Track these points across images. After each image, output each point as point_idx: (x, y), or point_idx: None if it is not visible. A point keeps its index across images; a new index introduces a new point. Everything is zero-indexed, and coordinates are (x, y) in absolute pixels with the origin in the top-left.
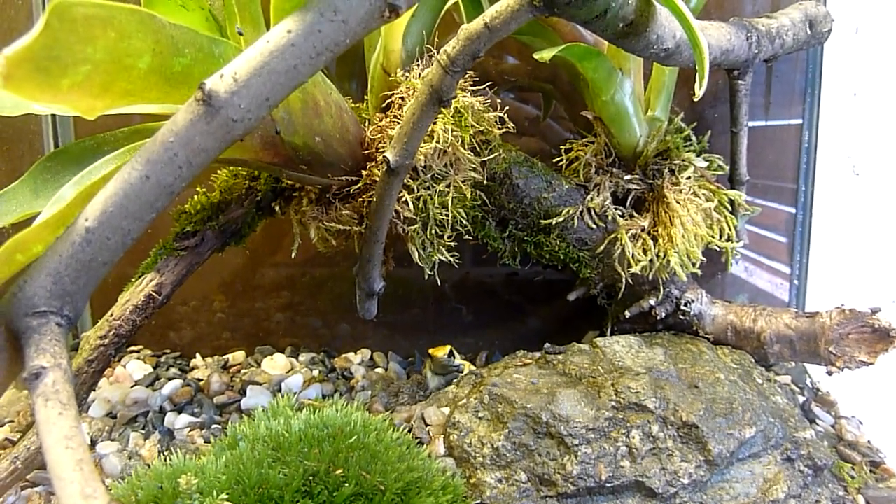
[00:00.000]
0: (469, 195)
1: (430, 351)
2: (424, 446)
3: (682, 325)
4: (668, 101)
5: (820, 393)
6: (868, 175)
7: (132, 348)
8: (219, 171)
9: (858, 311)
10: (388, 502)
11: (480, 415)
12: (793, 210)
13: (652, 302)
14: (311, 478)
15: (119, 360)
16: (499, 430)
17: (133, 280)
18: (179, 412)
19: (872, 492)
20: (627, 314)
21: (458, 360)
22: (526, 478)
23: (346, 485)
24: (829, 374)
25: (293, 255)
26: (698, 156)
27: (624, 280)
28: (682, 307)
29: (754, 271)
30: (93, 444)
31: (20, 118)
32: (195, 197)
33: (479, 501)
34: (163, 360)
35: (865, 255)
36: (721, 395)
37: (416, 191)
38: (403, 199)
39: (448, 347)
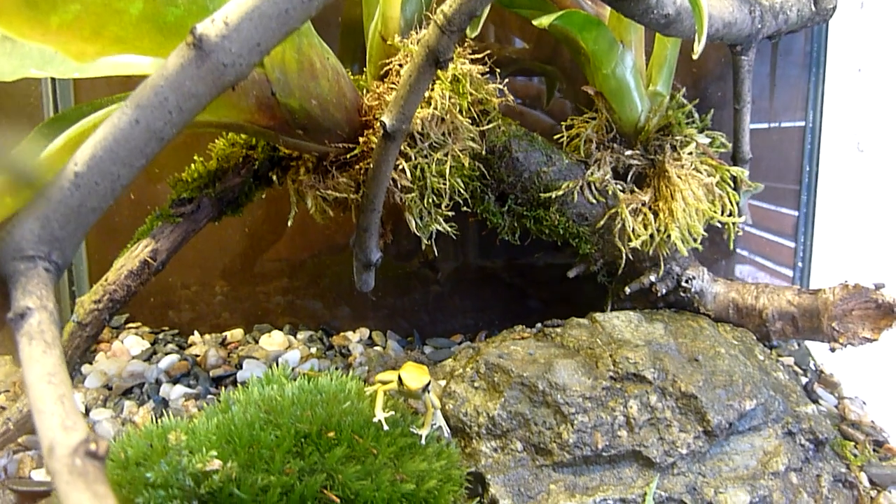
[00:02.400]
0: (467, 164)
1: (405, 379)
2: (419, 416)
3: (683, 303)
4: (670, 76)
5: (823, 375)
6: (873, 152)
7: (131, 325)
8: (216, 140)
9: (862, 286)
10: (380, 466)
11: (476, 385)
12: (796, 187)
13: (652, 278)
14: (302, 439)
15: (117, 336)
16: (495, 399)
17: (129, 246)
18: (175, 384)
19: (875, 469)
20: (628, 290)
21: (432, 397)
22: (522, 447)
23: (338, 447)
24: (832, 350)
25: (289, 223)
26: (700, 133)
27: (624, 256)
28: (683, 284)
29: (758, 252)
30: (86, 412)
31: (20, 90)
32: (192, 165)
33: (473, 469)
34: (161, 336)
35: (871, 232)
36: (721, 368)
37: (413, 159)
38: (400, 167)
39: (427, 380)
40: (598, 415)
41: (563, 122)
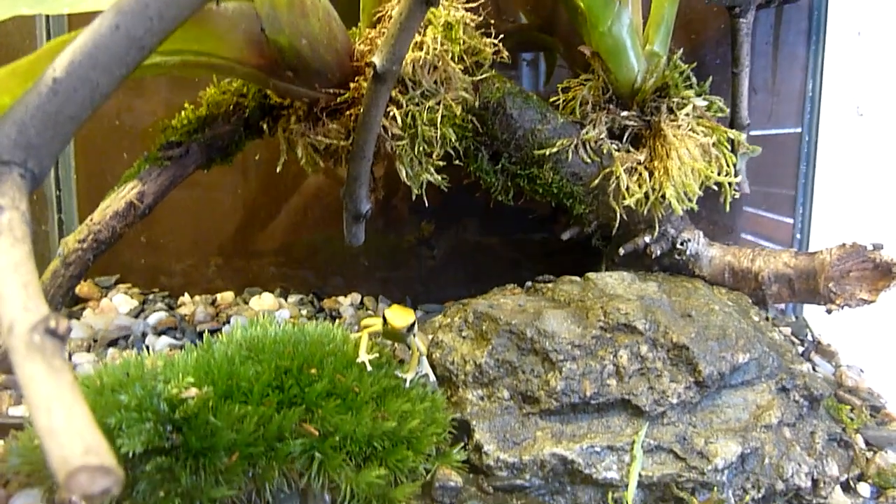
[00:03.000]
0: (459, 114)
1: (389, 318)
2: (405, 363)
3: (679, 266)
4: (667, 36)
5: (821, 345)
6: (872, 116)
7: (121, 286)
8: (207, 88)
9: (860, 245)
10: (362, 403)
11: (464, 334)
12: (798, 136)
13: (647, 239)
14: (283, 374)
15: (106, 294)
16: (482, 347)
17: (115, 188)
18: (160, 335)
19: (872, 432)
20: (622, 251)
21: (418, 342)
22: (509, 395)
23: (319, 383)
24: (829, 312)
25: (278, 170)
26: (698, 97)
27: (618, 216)
28: (678, 246)
29: (756, 222)
30: (69, 357)
31: (15, 34)
32: (182, 113)
33: (457, 415)
34: (151, 297)
35: (870, 197)
36: (714, 323)
37: (404, 106)
38: (391, 114)
39: (412, 319)
40: (587, 363)
41: (559, 85)
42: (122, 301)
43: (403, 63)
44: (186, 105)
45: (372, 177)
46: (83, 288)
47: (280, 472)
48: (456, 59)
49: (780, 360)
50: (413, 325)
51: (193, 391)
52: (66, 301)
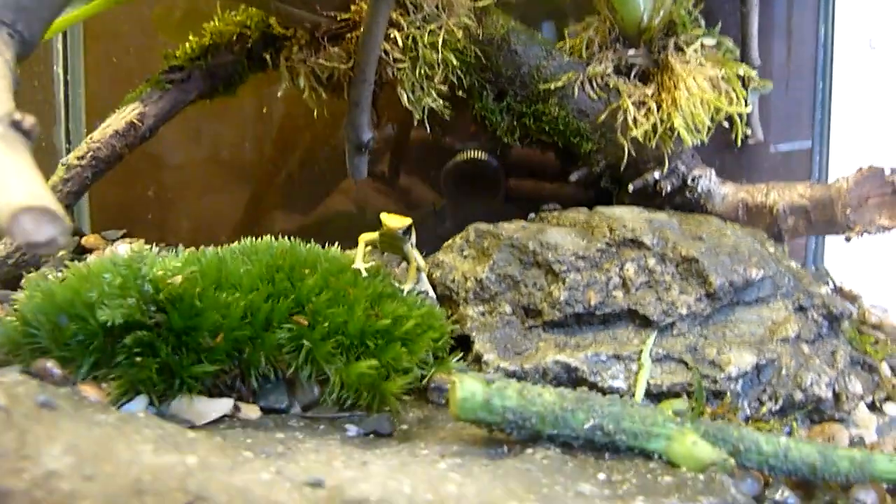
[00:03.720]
0: (461, 37)
1: (384, 218)
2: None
3: (691, 205)
4: None
5: (843, 290)
6: (885, 49)
7: (128, 239)
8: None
9: (877, 167)
10: (355, 301)
11: (465, 253)
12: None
13: (657, 175)
14: (275, 271)
15: (112, 243)
16: (483, 263)
17: (117, 109)
18: None
19: None
20: (631, 188)
21: (417, 255)
22: (511, 310)
23: (311, 278)
24: (848, 240)
25: (279, 94)
26: (706, 37)
27: (627, 151)
28: (689, 183)
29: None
30: None
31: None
32: (185, 44)
33: (459, 333)
34: (154, 249)
35: (885, 128)
36: (726, 244)
37: (405, 28)
38: (392, 36)
39: (408, 222)
40: (592, 275)
41: (565, 29)
42: (126, 250)
43: None
44: (190, 37)
45: (374, 110)
46: (89, 239)
47: (266, 361)
48: None
49: (798, 282)
50: (410, 229)
51: (179, 278)
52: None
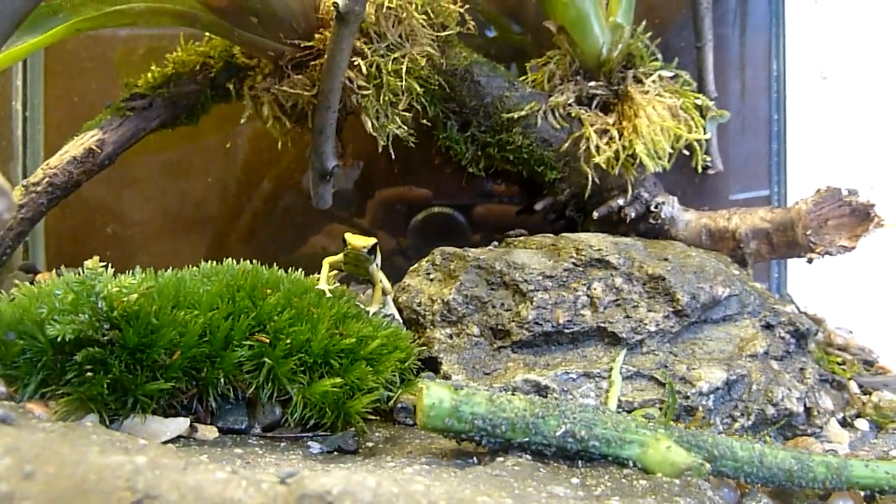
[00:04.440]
0: (424, 65)
1: (348, 238)
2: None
3: (655, 231)
4: (630, 8)
5: (808, 315)
6: (835, 79)
7: None
8: (174, 52)
9: (834, 187)
10: (319, 321)
11: (431, 276)
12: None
13: (621, 202)
14: (235, 290)
15: None
16: (450, 285)
17: (75, 136)
18: None
19: (866, 379)
20: (596, 215)
21: (382, 278)
22: (479, 331)
23: (273, 297)
24: (810, 262)
25: (242, 121)
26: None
27: (591, 179)
28: (653, 209)
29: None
30: None
31: None
32: (148, 74)
33: (427, 355)
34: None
35: (839, 154)
36: (692, 263)
37: (368, 56)
38: (357, 63)
39: (373, 241)
40: (560, 293)
41: (526, 64)
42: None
43: (367, 11)
44: (153, 67)
45: (338, 138)
46: (44, 276)
47: (226, 380)
48: (419, 12)
49: (763, 301)
50: (374, 249)
51: (135, 295)
52: (16, 244)
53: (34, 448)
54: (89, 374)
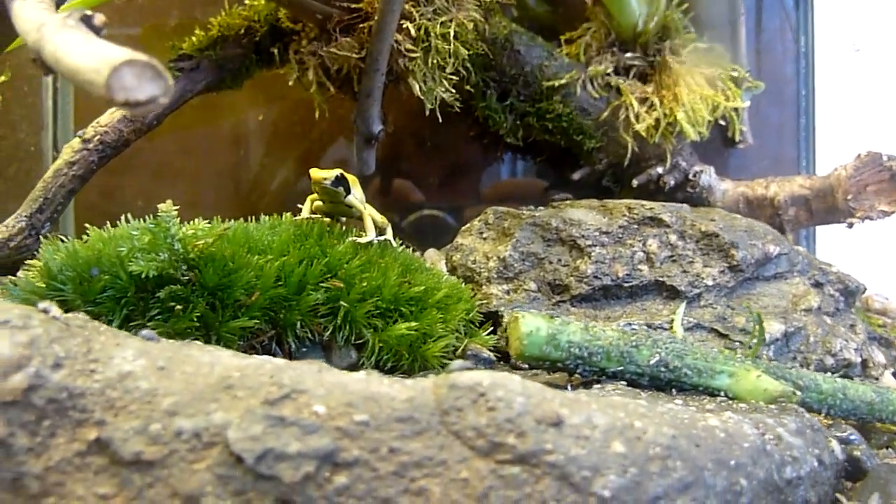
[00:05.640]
0: (471, 27)
1: (311, 171)
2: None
3: (692, 200)
4: None
5: None
6: (869, 51)
7: None
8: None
9: (875, 153)
10: (386, 268)
11: (485, 235)
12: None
13: (660, 170)
14: (303, 238)
15: None
16: (505, 243)
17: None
18: None
19: None
20: (635, 183)
21: (346, 194)
22: (536, 286)
23: (341, 245)
24: (850, 226)
25: (290, 83)
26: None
27: (630, 148)
28: (691, 178)
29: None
30: None
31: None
32: (192, 38)
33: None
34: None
35: (872, 126)
36: (740, 224)
37: (417, 19)
38: (405, 27)
39: (336, 171)
40: (616, 249)
41: (561, 37)
42: None
43: None
44: (197, 31)
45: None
46: None
47: (302, 324)
48: None
49: (809, 261)
50: (340, 179)
51: (210, 239)
52: (67, 202)
53: (164, 352)
54: (178, 309)
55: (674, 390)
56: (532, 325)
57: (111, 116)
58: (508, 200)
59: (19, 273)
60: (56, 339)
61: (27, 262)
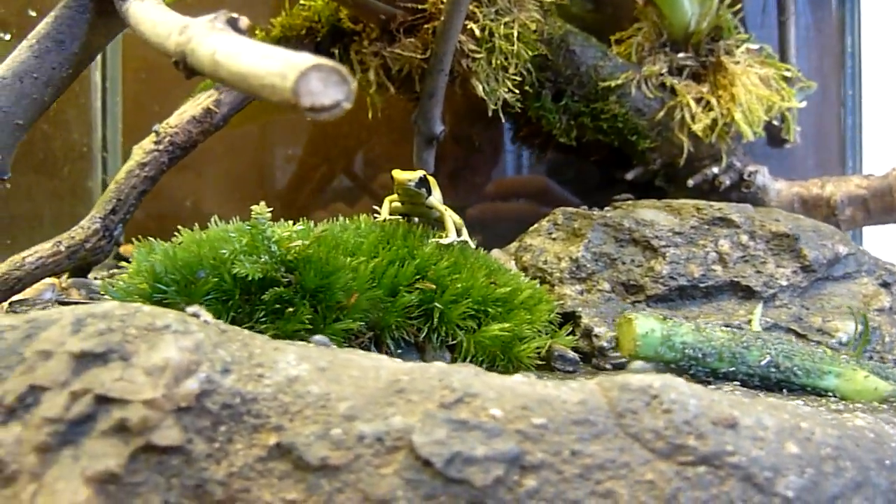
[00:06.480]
0: (534, 28)
1: (394, 173)
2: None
3: (747, 200)
4: None
5: None
6: None
7: None
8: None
9: None
10: (474, 269)
11: (554, 236)
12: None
13: (715, 170)
14: (387, 240)
15: None
16: (576, 243)
17: (191, 96)
18: None
19: None
20: (691, 182)
21: (428, 195)
22: (610, 287)
23: (428, 247)
24: None
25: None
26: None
27: (685, 148)
28: (746, 178)
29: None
30: None
31: None
32: (255, 37)
33: (559, 303)
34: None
35: None
36: (806, 223)
37: (480, 20)
38: (469, 28)
39: (420, 173)
40: (690, 250)
41: (611, 37)
42: None
43: None
44: (258, 31)
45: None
46: (127, 248)
47: (397, 326)
48: None
49: (875, 260)
50: (424, 182)
51: (307, 241)
52: (137, 204)
53: (324, 356)
54: (288, 311)
55: (784, 391)
56: (646, 326)
57: (180, 118)
58: (509, 200)
59: (108, 274)
60: (218, 343)
61: (120, 263)
